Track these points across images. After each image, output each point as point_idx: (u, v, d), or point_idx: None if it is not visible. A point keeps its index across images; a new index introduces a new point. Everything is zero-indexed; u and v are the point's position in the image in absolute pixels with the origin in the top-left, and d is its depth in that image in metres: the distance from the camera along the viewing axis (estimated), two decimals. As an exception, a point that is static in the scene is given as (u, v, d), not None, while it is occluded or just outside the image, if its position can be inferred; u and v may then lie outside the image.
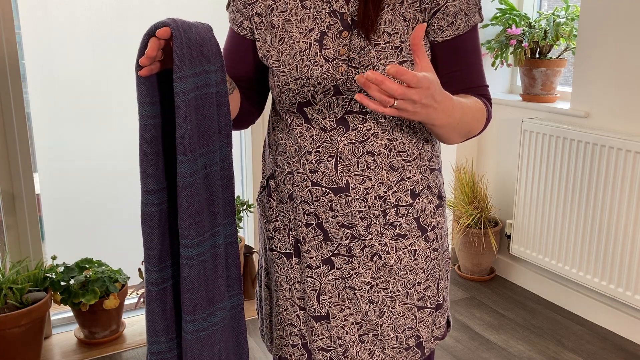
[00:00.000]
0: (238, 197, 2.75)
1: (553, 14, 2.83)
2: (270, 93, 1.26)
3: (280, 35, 1.12)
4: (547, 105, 2.87)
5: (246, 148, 2.99)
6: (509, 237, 3.13)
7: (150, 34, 0.96)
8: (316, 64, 1.09)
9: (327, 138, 1.12)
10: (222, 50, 1.11)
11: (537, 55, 2.90)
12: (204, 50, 1.00)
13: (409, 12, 1.08)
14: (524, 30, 2.88)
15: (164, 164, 1.06)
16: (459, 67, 1.12)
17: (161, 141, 1.04)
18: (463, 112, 1.04)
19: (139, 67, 0.98)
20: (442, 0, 1.08)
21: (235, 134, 2.98)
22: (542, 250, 2.88)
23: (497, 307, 2.90)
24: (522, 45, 2.85)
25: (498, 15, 2.95)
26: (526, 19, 2.92)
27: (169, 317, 1.11)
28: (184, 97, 0.98)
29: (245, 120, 1.24)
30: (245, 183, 3.05)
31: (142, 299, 2.63)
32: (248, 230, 3.08)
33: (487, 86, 1.16)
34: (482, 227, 3.06)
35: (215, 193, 1.06)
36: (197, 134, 1.01)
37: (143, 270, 1.09)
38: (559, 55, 2.91)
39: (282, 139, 1.18)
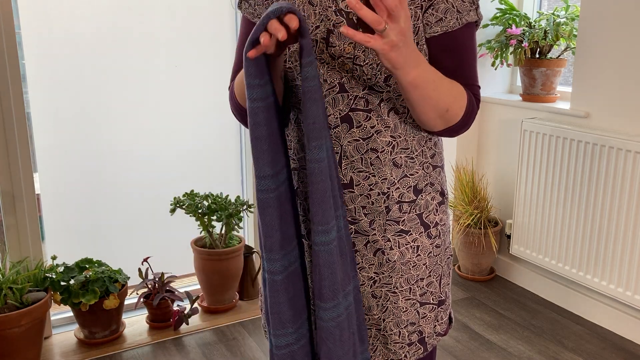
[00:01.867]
0: (238, 197, 2.75)
1: (553, 14, 2.83)
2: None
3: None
4: (547, 105, 2.87)
5: (246, 147, 2.99)
6: (509, 237, 3.13)
7: (271, 17, 0.93)
8: (323, 61, 1.10)
9: (331, 135, 1.13)
10: (235, 50, 1.15)
11: (537, 55, 2.90)
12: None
13: (410, 8, 1.09)
14: (524, 30, 2.88)
15: (279, 147, 1.04)
16: (447, 64, 1.11)
17: (275, 123, 1.02)
18: (437, 78, 1.03)
19: (249, 47, 0.96)
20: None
21: (235, 134, 2.98)
22: (542, 250, 2.88)
23: (497, 307, 2.90)
24: (522, 45, 2.86)
25: (498, 15, 2.95)
26: (526, 19, 2.93)
27: (294, 306, 1.08)
28: (313, 83, 0.97)
29: None
30: (245, 183, 3.05)
31: (142, 299, 2.62)
32: (248, 230, 3.08)
33: (478, 86, 1.15)
34: (482, 227, 3.06)
35: (333, 178, 1.05)
36: (323, 119, 1.01)
37: (262, 260, 1.06)
38: (559, 55, 2.91)
39: (287, 136, 1.20)
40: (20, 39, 2.40)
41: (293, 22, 0.92)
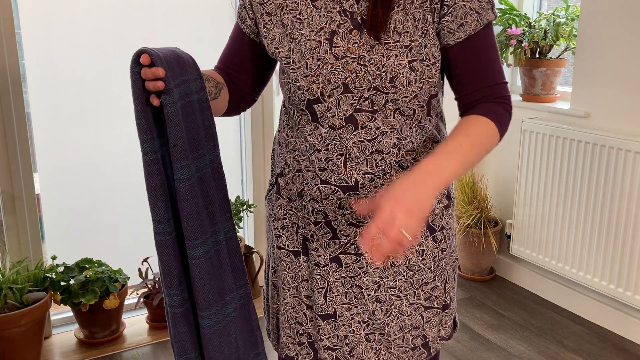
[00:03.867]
0: (238, 197, 2.75)
1: (553, 14, 2.83)
2: (264, 87, 1.32)
3: (290, 33, 1.13)
4: (547, 105, 2.87)
5: (246, 148, 2.99)
6: (509, 237, 3.13)
7: (135, 69, 1.02)
8: (326, 61, 1.09)
9: (336, 136, 1.12)
10: (228, 37, 1.21)
11: (537, 55, 2.90)
12: (180, 62, 1.06)
13: (419, 12, 1.08)
14: (524, 30, 2.88)
15: (169, 194, 1.12)
16: (473, 67, 1.11)
17: (164, 171, 1.10)
18: (465, 154, 1.04)
19: (141, 102, 1.04)
20: (451, 2, 1.07)
21: (236, 134, 2.98)
22: (542, 250, 2.88)
23: (497, 307, 2.90)
24: (522, 45, 2.86)
25: (498, 15, 2.95)
26: (526, 19, 2.93)
27: (195, 334, 1.17)
28: (173, 108, 1.03)
29: (235, 109, 1.29)
30: (245, 183, 3.05)
31: (142, 299, 2.63)
32: (248, 230, 3.08)
33: (505, 83, 1.14)
34: (482, 227, 3.06)
35: (211, 193, 1.12)
36: (188, 141, 1.07)
37: (164, 295, 1.19)
38: (559, 55, 2.91)
39: (291, 137, 1.19)
40: (20, 39, 2.39)
41: (144, 60, 1.00)
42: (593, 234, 2.63)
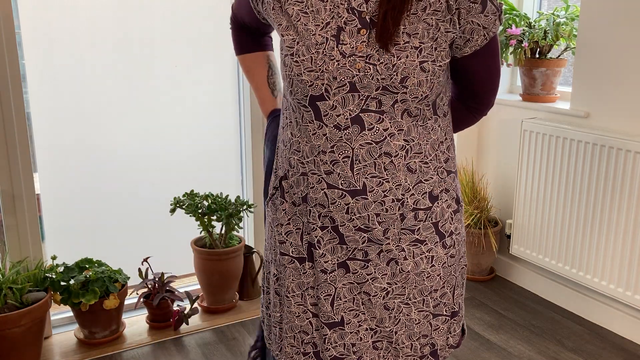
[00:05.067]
0: (238, 197, 2.75)
1: (553, 14, 2.83)
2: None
3: (294, 24, 1.10)
4: (547, 105, 2.87)
5: (246, 147, 2.99)
6: (509, 237, 3.13)
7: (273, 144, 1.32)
8: (332, 58, 1.06)
9: (341, 137, 1.08)
10: None
11: (537, 55, 2.90)
12: None
13: (432, 19, 1.07)
14: (524, 30, 2.88)
15: None
16: (474, 75, 1.18)
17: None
18: None
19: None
20: (464, 21, 1.08)
21: (235, 134, 2.98)
22: (542, 250, 2.88)
23: (497, 307, 2.90)
24: (522, 45, 2.85)
25: (498, 15, 2.95)
26: (526, 19, 2.92)
27: None
28: None
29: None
30: (245, 183, 3.05)
31: (142, 299, 2.63)
32: (248, 230, 3.08)
33: (495, 90, 1.23)
34: (482, 227, 3.06)
35: None
36: None
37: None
38: (559, 55, 2.91)
39: (295, 137, 1.15)
40: (20, 39, 2.39)
41: None
42: (593, 234, 2.63)
